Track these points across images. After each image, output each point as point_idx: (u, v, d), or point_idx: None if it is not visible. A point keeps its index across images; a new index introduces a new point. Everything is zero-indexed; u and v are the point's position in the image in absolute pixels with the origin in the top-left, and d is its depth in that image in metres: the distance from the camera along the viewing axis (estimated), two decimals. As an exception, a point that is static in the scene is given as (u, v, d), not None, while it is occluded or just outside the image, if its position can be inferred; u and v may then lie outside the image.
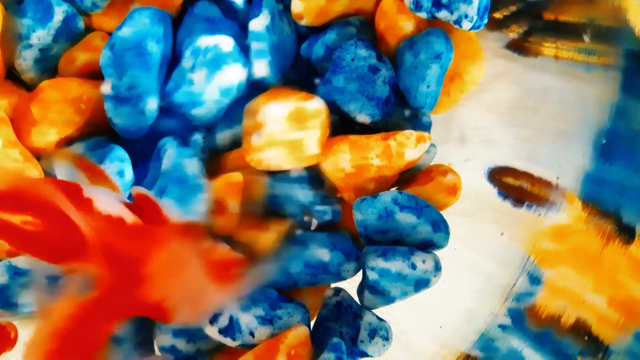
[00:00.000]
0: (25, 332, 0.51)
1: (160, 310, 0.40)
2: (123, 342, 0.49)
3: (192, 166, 0.49)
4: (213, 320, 0.48)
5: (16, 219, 0.39)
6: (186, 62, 0.49)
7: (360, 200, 0.50)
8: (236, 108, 0.51)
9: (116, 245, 0.39)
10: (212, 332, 0.47)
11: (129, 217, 0.40)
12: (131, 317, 0.45)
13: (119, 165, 0.48)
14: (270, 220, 0.51)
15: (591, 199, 0.53)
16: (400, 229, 0.50)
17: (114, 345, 0.49)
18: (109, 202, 0.40)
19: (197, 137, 0.51)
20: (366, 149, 0.50)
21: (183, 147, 0.50)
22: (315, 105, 0.49)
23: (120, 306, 0.40)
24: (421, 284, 0.49)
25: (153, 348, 0.50)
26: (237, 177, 0.50)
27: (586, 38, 0.54)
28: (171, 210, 0.43)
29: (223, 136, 0.52)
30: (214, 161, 0.53)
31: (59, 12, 0.50)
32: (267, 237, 0.50)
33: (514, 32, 0.55)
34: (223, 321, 0.48)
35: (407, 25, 0.53)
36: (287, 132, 0.49)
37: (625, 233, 0.52)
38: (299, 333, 0.47)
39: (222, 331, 0.47)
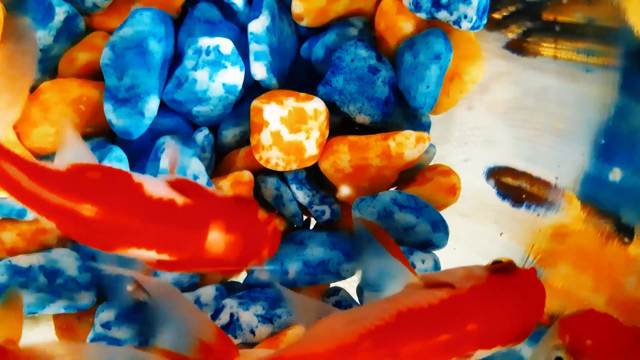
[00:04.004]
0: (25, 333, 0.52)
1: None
2: (122, 344, 0.49)
3: (194, 165, 0.49)
4: (214, 317, 0.48)
5: (75, 205, 0.39)
6: (189, 61, 0.49)
7: (360, 200, 0.50)
8: (242, 106, 0.51)
9: (172, 227, 0.40)
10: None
11: (179, 199, 0.41)
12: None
13: (117, 165, 0.48)
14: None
15: (590, 199, 0.53)
16: (399, 229, 0.50)
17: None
18: (157, 186, 0.41)
19: (200, 135, 0.51)
20: (365, 150, 0.50)
21: (184, 146, 0.50)
22: (315, 106, 0.49)
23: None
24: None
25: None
26: (247, 175, 0.50)
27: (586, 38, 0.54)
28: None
29: (229, 134, 0.52)
30: (220, 160, 0.53)
31: (60, 12, 0.50)
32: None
33: (513, 33, 0.55)
34: (224, 318, 0.48)
35: (406, 26, 0.53)
36: (287, 133, 0.49)
37: (624, 233, 0.52)
38: (297, 332, 0.47)
39: (223, 329, 0.48)
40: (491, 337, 0.41)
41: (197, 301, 0.49)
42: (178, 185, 0.42)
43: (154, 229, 0.40)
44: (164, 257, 0.41)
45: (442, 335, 0.39)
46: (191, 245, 0.41)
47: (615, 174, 0.52)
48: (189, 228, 0.41)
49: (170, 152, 0.45)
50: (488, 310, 0.41)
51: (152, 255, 0.41)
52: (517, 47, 0.55)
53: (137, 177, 0.41)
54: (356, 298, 0.52)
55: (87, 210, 0.40)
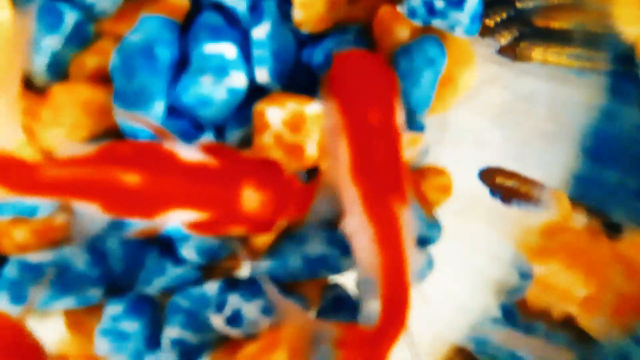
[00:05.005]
0: (35, 327, 0.53)
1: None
2: (131, 337, 0.50)
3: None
4: (218, 310, 0.49)
5: (119, 175, 0.41)
6: (194, 66, 0.50)
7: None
8: (245, 108, 0.52)
9: (209, 187, 0.42)
10: (217, 321, 0.49)
11: (212, 161, 0.43)
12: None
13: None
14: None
15: (579, 198, 0.54)
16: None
17: (121, 339, 0.50)
18: (189, 151, 0.42)
19: (206, 137, 0.52)
20: (363, 150, 0.51)
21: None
22: (315, 108, 0.50)
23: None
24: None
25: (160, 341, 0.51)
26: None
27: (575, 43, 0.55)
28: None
29: (233, 136, 0.53)
30: None
31: (70, 18, 0.51)
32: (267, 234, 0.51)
33: (505, 38, 0.56)
34: (228, 310, 0.49)
35: (402, 32, 0.54)
36: (287, 135, 0.50)
37: (613, 231, 0.53)
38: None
39: (228, 321, 0.49)
40: None
41: (202, 295, 0.50)
42: (208, 149, 0.44)
43: (194, 190, 0.42)
44: (203, 216, 0.43)
45: None
46: (228, 203, 0.43)
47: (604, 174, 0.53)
48: (225, 187, 0.43)
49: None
50: None
51: (191, 215, 0.42)
52: (508, 53, 0.56)
53: (168, 145, 0.43)
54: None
55: (131, 178, 0.41)
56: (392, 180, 0.44)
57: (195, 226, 0.44)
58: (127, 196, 0.42)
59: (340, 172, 0.45)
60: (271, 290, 0.45)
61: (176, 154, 0.43)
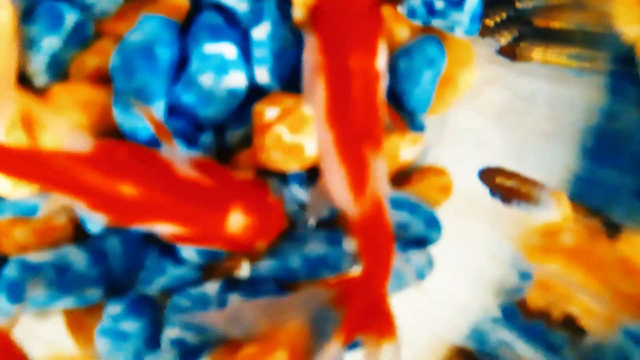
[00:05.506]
0: (37, 327, 0.53)
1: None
2: (131, 337, 0.50)
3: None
4: (218, 310, 0.49)
5: (115, 185, 0.41)
6: (194, 66, 0.50)
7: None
8: (245, 108, 0.52)
9: (198, 206, 0.43)
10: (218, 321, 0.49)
11: (204, 179, 0.43)
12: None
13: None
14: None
15: (579, 198, 0.54)
16: (394, 226, 0.51)
17: (121, 339, 0.50)
18: (184, 165, 0.43)
19: (206, 137, 0.52)
20: (363, 151, 0.51)
21: (189, 147, 0.51)
22: None
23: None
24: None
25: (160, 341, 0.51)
26: (248, 175, 0.50)
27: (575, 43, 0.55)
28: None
29: (233, 136, 0.53)
30: (224, 161, 0.53)
31: (70, 18, 0.51)
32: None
33: (505, 38, 0.56)
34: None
35: (402, 32, 0.54)
36: (287, 135, 0.50)
37: (613, 231, 0.53)
38: (298, 324, 0.48)
39: (229, 320, 0.49)
40: None
41: (202, 295, 0.50)
42: (201, 166, 0.44)
43: (183, 207, 0.42)
44: (186, 231, 0.43)
45: None
46: (213, 223, 0.43)
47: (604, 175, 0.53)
48: (214, 208, 0.43)
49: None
50: None
51: (175, 229, 0.43)
52: (509, 53, 0.56)
53: (164, 154, 0.43)
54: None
55: (125, 187, 0.41)
56: (367, 125, 0.44)
57: (176, 237, 0.44)
58: (116, 202, 0.42)
59: (316, 112, 0.45)
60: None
61: (172, 166, 0.43)
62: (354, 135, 0.44)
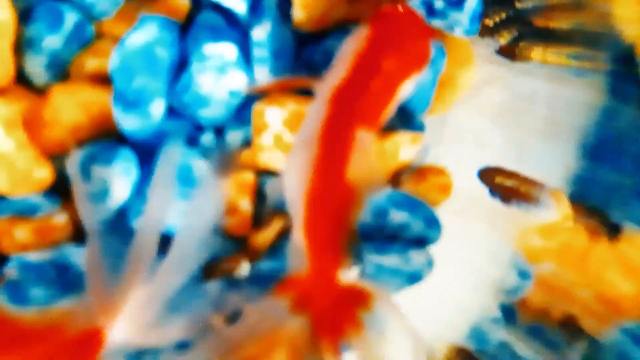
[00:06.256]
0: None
1: None
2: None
3: (199, 167, 0.50)
4: (219, 310, 0.49)
5: None
6: (194, 67, 0.50)
7: (356, 197, 0.51)
8: (245, 108, 0.52)
9: None
10: (218, 321, 0.49)
11: None
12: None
13: (126, 164, 0.50)
14: (271, 218, 0.52)
15: (579, 198, 0.54)
16: (394, 226, 0.51)
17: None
18: None
19: (206, 137, 0.52)
20: (362, 150, 0.51)
21: (189, 147, 0.51)
22: None
23: None
24: (414, 278, 0.50)
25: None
26: (248, 176, 0.51)
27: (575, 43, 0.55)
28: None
29: (234, 136, 0.53)
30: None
31: (70, 19, 0.51)
32: (267, 233, 0.51)
33: (504, 38, 0.57)
34: (228, 310, 0.49)
35: (402, 32, 0.54)
36: (286, 135, 0.50)
37: (613, 231, 0.53)
38: (299, 323, 0.48)
39: (229, 320, 0.48)
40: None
41: (203, 295, 0.50)
42: None
43: None
44: None
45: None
46: None
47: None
48: None
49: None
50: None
51: None
52: (508, 53, 0.57)
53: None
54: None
55: None
56: (370, 109, 0.45)
57: None
58: None
59: (325, 85, 0.46)
60: None
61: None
62: (351, 115, 0.44)
